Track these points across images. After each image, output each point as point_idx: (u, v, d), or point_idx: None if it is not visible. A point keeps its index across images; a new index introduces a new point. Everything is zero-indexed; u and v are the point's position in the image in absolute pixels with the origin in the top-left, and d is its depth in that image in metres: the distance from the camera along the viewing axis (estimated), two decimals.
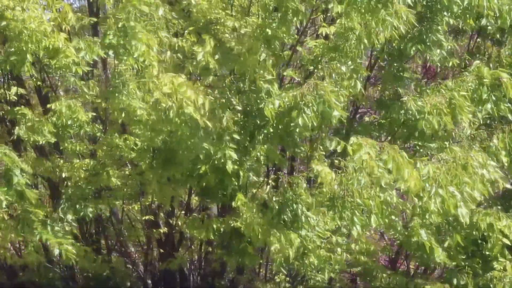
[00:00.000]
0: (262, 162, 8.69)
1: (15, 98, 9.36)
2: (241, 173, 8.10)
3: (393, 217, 8.08)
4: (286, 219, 7.97)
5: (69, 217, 8.87)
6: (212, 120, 7.66)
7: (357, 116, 11.17)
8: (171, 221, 10.08)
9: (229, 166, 7.79)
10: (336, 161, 7.79)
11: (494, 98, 8.47)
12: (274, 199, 8.05)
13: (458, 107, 8.28)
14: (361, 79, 8.94)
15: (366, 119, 11.37)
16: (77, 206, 8.82)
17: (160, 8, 7.83)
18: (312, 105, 7.63)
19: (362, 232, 7.76)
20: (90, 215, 8.99)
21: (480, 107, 8.48)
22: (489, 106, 8.46)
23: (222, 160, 7.80)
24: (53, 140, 8.41)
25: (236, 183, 8.20)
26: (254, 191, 8.72)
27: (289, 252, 7.92)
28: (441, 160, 7.63)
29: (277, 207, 8.00)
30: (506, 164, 8.50)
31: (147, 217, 9.78)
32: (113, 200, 9.29)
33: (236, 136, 7.91)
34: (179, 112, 7.28)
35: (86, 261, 9.41)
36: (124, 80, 7.85)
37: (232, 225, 8.33)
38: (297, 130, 7.92)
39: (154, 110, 7.61)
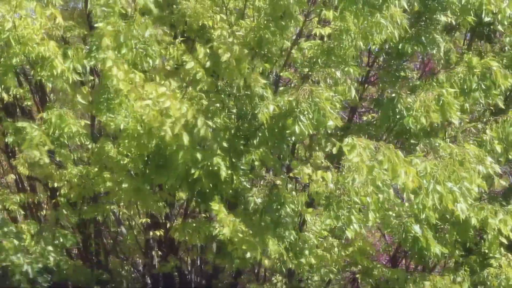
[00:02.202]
0: (257, 167, 8.64)
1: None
2: (234, 178, 8.07)
3: (390, 212, 8.08)
4: (269, 221, 7.97)
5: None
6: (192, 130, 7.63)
7: (355, 115, 11.19)
8: (168, 224, 10.04)
9: (223, 173, 7.78)
10: (326, 162, 7.81)
11: (483, 87, 8.54)
12: (259, 201, 8.05)
13: (447, 104, 8.30)
14: (356, 81, 8.92)
15: (364, 118, 11.38)
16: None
17: (148, 30, 7.69)
18: (307, 113, 7.57)
19: (359, 230, 7.72)
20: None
21: (469, 98, 8.57)
22: (477, 94, 8.53)
23: (216, 167, 7.78)
24: (47, 160, 8.30)
25: (230, 188, 8.19)
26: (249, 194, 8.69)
27: (264, 260, 8.02)
28: (437, 157, 7.62)
29: (261, 209, 8.01)
30: (499, 152, 8.56)
31: (143, 220, 9.77)
32: (107, 205, 9.31)
33: (224, 144, 7.86)
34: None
35: (79, 275, 9.45)
36: (112, 93, 7.67)
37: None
38: (293, 138, 7.94)
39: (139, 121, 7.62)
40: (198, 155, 7.73)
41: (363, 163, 7.01)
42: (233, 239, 7.77)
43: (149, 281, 10.71)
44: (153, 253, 10.29)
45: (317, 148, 9.28)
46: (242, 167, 8.25)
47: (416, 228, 8.45)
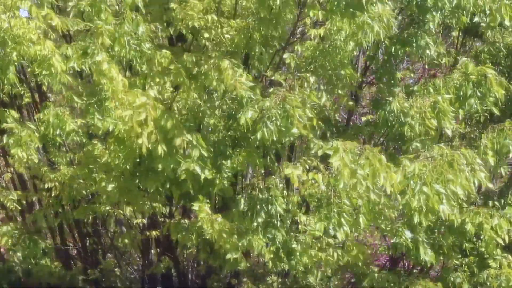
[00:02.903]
0: (239, 168, 8.61)
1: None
2: (217, 182, 8.12)
3: (382, 218, 8.05)
4: (260, 221, 7.97)
5: None
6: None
7: (355, 116, 11.14)
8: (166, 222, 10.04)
9: (208, 176, 7.86)
10: (317, 163, 7.82)
11: (479, 94, 8.50)
12: (248, 201, 8.05)
13: (442, 112, 8.29)
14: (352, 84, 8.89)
15: (364, 119, 11.34)
16: None
17: (141, 26, 7.77)
18: (276, 119, 7.50)
19: (350, 233, 7.71)
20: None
21: (465, 104, 8.52)
22: (472, 101, 8.49)
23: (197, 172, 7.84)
24: (36, 160, 8.36)
25: (213, 190, 8.25)
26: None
27: (241, 261, 8.09)
28: (428, 158, 7.56)
29: (250, 210, 8.00)
30: (492, 164, 8.49)
31: (139, 221, 9.80)
32: (99, 206, 9.35)
33: (203, 152, 7.88)
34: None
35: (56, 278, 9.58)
36: (102, 96, 7.80)
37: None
38: (257, 143, 7.94)
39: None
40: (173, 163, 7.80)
41: (345, 166, 6.99)
42: (215, 238, 7.83)
43: (147, 281, 10.76)
44: (152, 252, 10.32)
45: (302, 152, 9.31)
46: (225, 169, 8.27)
47: (408, 233, 8.46)
